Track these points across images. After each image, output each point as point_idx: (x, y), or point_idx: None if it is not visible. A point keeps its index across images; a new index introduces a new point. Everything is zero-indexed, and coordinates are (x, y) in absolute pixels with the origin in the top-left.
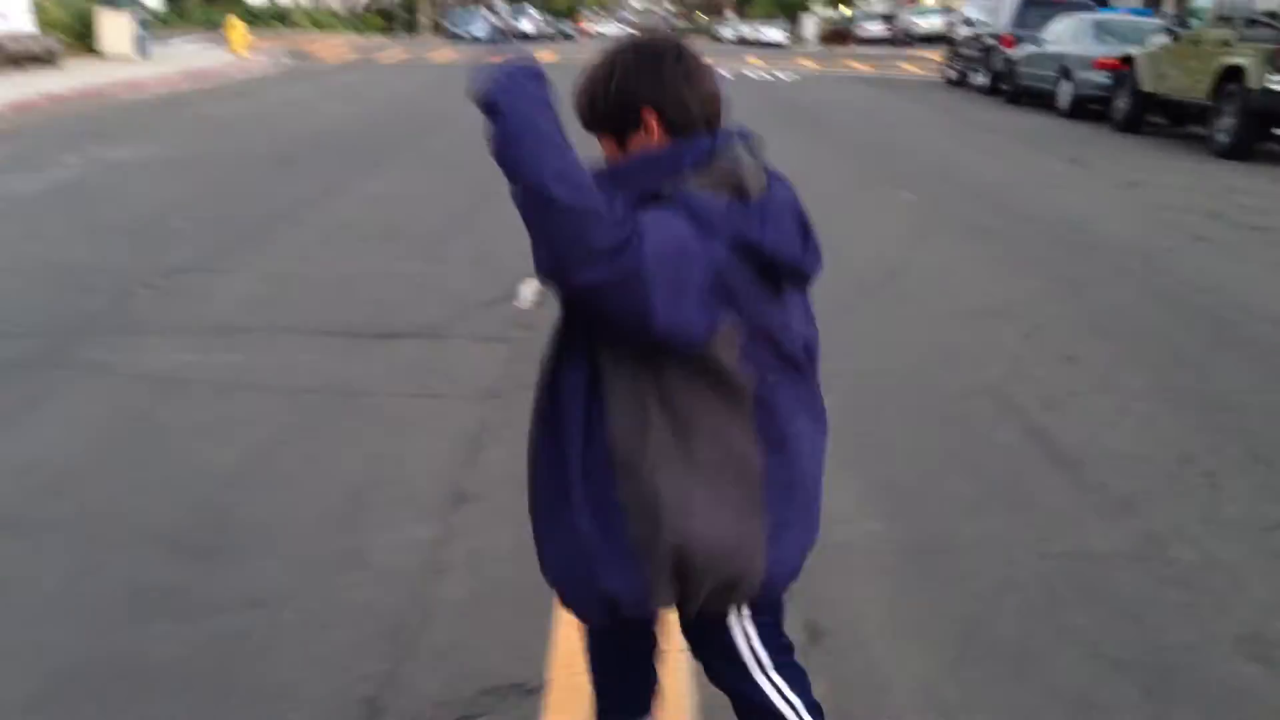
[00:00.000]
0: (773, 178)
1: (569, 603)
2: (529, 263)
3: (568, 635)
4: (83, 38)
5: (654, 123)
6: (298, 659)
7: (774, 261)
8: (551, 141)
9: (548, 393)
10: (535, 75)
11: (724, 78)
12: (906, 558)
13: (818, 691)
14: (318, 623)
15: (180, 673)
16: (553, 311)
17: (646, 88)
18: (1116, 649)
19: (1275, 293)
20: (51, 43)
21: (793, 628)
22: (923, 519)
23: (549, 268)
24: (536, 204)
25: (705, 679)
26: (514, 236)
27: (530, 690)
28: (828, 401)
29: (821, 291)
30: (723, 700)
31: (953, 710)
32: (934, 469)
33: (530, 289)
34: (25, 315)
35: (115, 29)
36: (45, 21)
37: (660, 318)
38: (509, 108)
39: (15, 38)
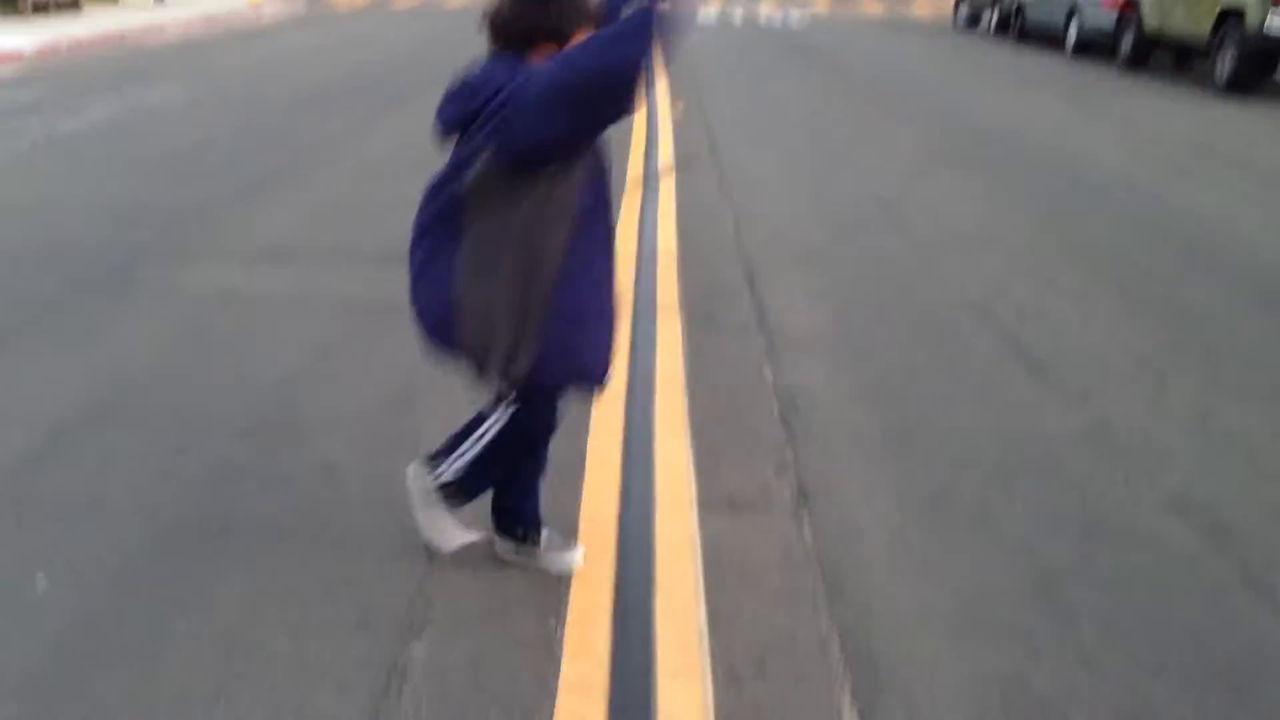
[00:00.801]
0: None
1: None
2: None
3: (590, 502)
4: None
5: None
6: (366, 514)
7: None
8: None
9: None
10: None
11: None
12: (884, 439)
13: (804, 537)
14: (382, 486)
15: (268, 526)
16: None
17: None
18: (1058, 508)
19: (1248, 220)
20: None
21: (783, 491)
22: (901, 409)
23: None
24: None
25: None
26: None
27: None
28: (826, 314)
29: (820, 219)
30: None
31: (916, 551)
32: (914, 370)
33: None
34: (84, 245)
35: None
36: None
37: None
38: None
39: None
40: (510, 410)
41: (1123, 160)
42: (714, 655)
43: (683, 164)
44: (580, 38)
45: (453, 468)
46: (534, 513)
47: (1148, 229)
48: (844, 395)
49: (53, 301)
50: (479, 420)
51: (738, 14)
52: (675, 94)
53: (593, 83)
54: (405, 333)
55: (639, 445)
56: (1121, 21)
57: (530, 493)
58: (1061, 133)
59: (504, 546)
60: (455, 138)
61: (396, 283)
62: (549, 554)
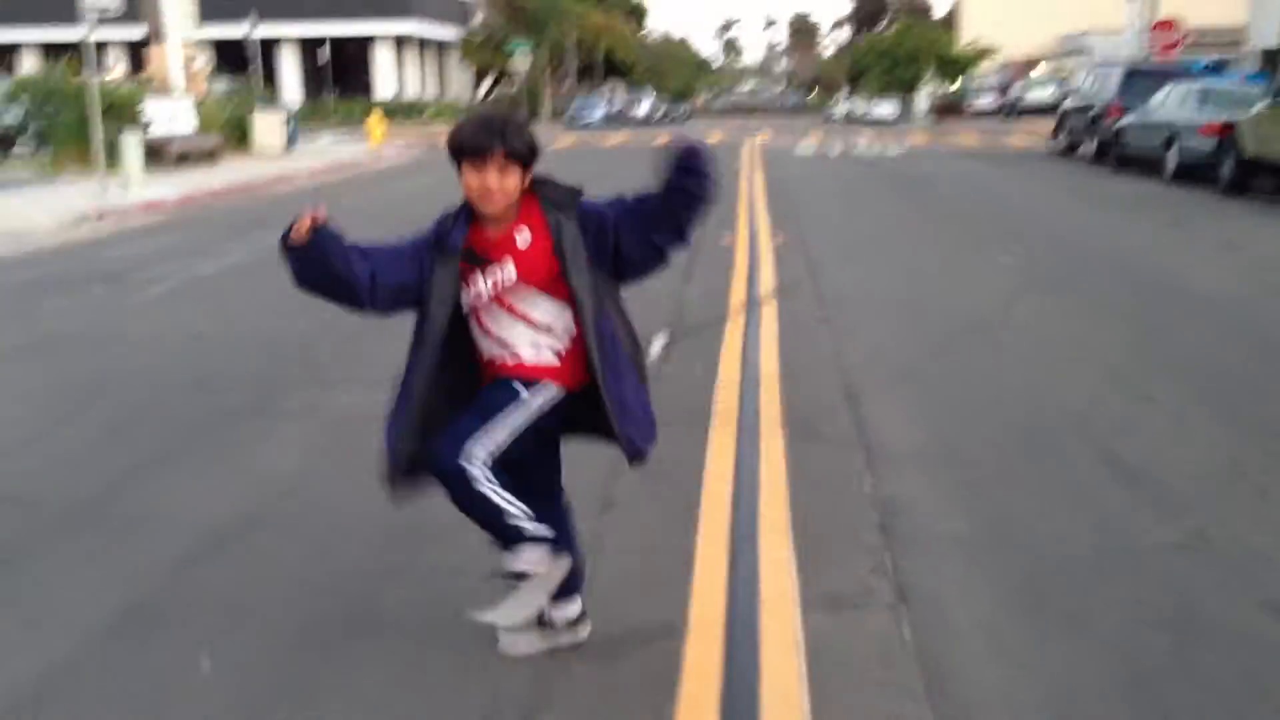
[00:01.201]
0: None
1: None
2: (659, 320)
3: (699, 599)
4: (239, 134)
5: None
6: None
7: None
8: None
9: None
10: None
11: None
12: (983, 546)
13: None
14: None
15: (404, 621)
16: (678, 362)
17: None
18: (1154, 612)
19: None
20: (212, 141)
21: (882, 591)
22: (999, 518)
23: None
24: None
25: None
26: (642, 297)
27: (673, 632)
28: (924, 428)
29: (917, 338)
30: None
31: (1012, 649)
32: (1010, 479)
33: (659, 344)
34: (229, 374)
35: (267, 127)
36: (206, 122)
37: None
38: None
39: (182, 138)
40: None
41: (1221, 280)
42: None
43: (784, 289)
44: None
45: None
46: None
47: (1245, 346)
48: (942, 504)
49: (205, 424)
50: None
51: (836, 147)
52: (775, 222)
53: None
54: None
55: (745, 548)
56: (1221, 147)
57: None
58: (1159, 255)
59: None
60: None
61: None
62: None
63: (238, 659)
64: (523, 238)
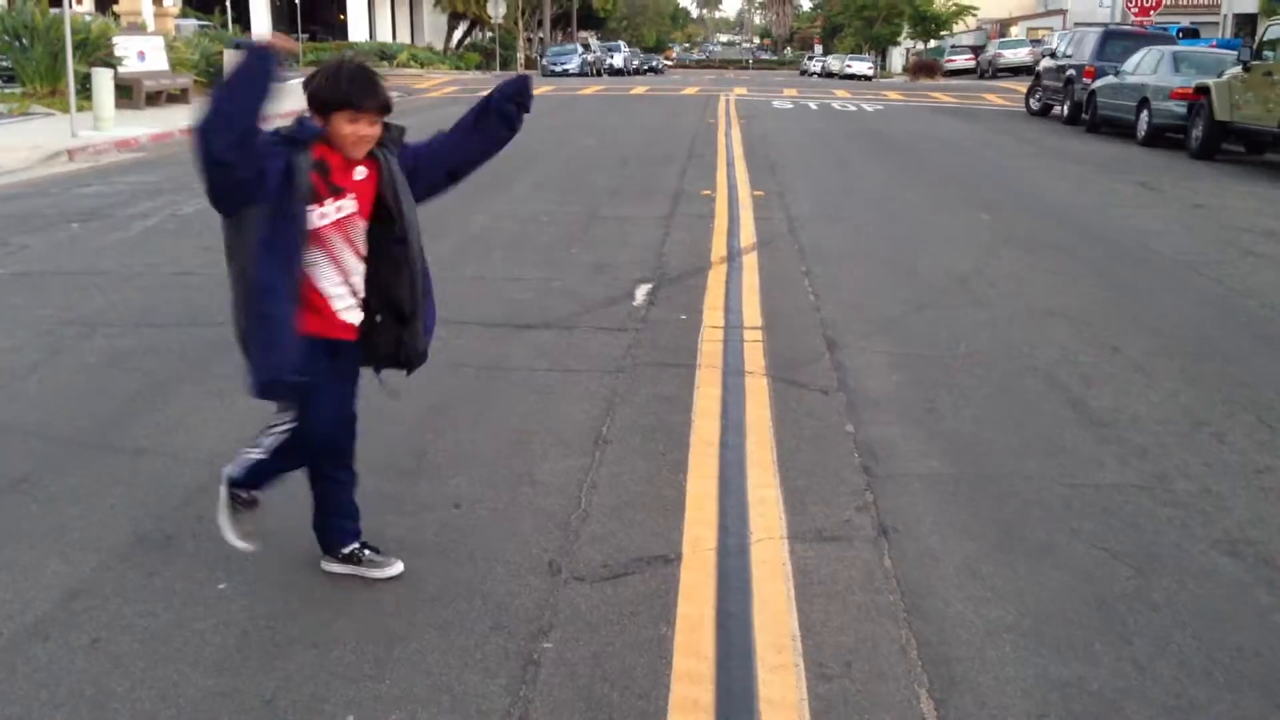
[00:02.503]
0: None
1: None
2: (642, 269)
3: (692, 529)
4: (209, 76)
5: None
6: (493, 537)
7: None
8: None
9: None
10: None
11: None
12: (958, 485)
13: (884, 564)
14: (505, 516)
15: (409, 543)
16: (663, 309)
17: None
18: (1117, 544)
19: None
20: (183, 80)
21: (865, 526)
22: (973, 460)
23: None
24: None
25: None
26: (625, 249)
27: (669, 560)
28: (903, 377)
29: (899, 293)
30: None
31: (985, 576)
32: (984, 426)
33: (643, 291)
34: (225, 311)
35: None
36: (176, 61)
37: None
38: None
39: (152, 75)
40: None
41: (1190, 241)
42: (806, 656)
43: (764, 243)
44: None
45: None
46: (355, 532)
47: (1211, 304)
48: (920, 446)
49: (200, 358)
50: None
51: (813, 102)
52: (754, 177)
53: None
54: (515, 387)
55: (733, 484)
56: (1192, 111)
57: (344, 512)
58: (1131, 215)
59: (330, 563)
60: None
61: (502, 345)
62: (371, 567)
63: (252, 579)
64: (360, 172)
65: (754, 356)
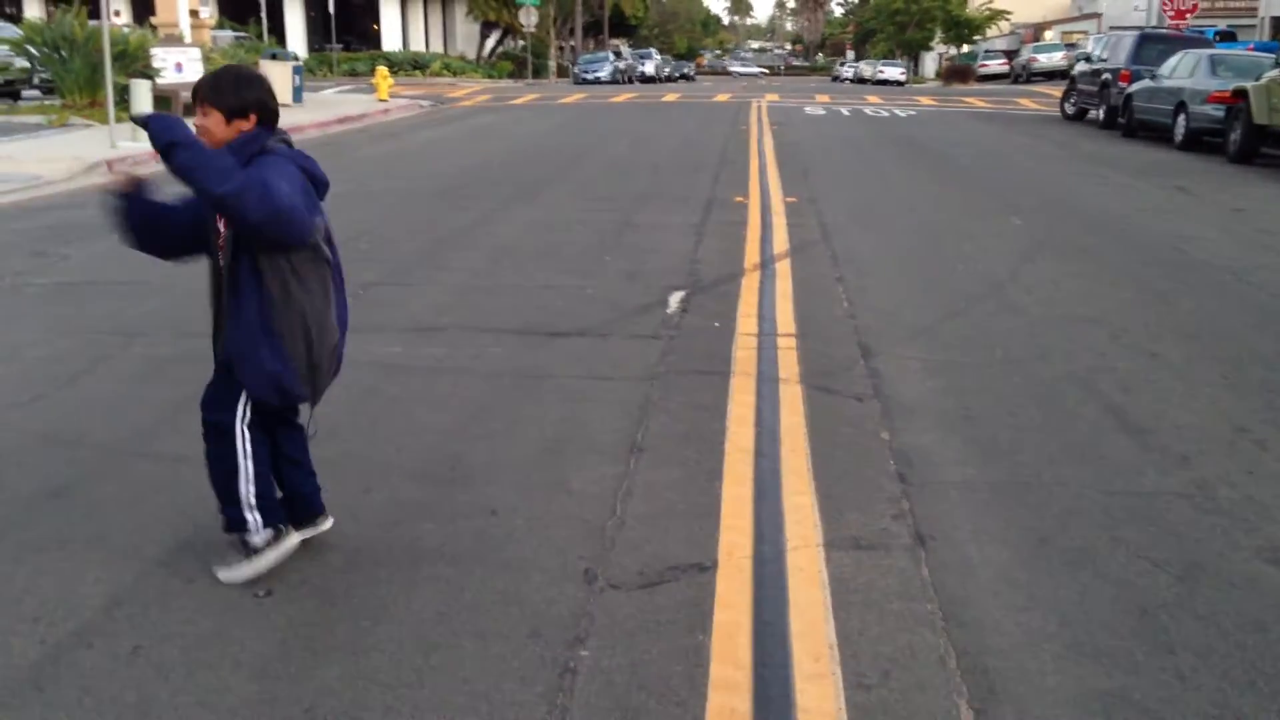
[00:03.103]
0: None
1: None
2: (675, 277)
3: (728, 537)
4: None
5: (254, 117)
6: (529, 545)
7: (316, 180)
8: (211, 163)
9: (230, 282)
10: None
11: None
12: (995, 492)
13: (921, 572)
14: (540, 524)
15: (446, 552)
16: (696, 317)
17: (256, 95)
18: (1157, 552)
19: None
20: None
21: (901, 535)
22: (1010, 467)
23: (249, 224)
24: (217, 203)
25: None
26: (658, 256)
27: (705, 568)
28: (938, 384)
29: (933, 299)
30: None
31: (1024, 585)
32: (1021, 433)
33: (676, 298)
34: None
35: (274, 79)
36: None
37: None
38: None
39: (190, 87)
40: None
41: (1228, 246)
42: (843, 665)
43: (797, 249)
44: None
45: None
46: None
47: (1249, 309)
48: (956, 454)
49: None
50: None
51: (845, 108)
52: (786, 183)
53: None
54: (549, 395)
55: (769, 492)
56: (1230, 114)
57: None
58: (1168, 219)
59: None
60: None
61: (536, 353)
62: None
63: (293, 586)
64: None
65: (788, 363)
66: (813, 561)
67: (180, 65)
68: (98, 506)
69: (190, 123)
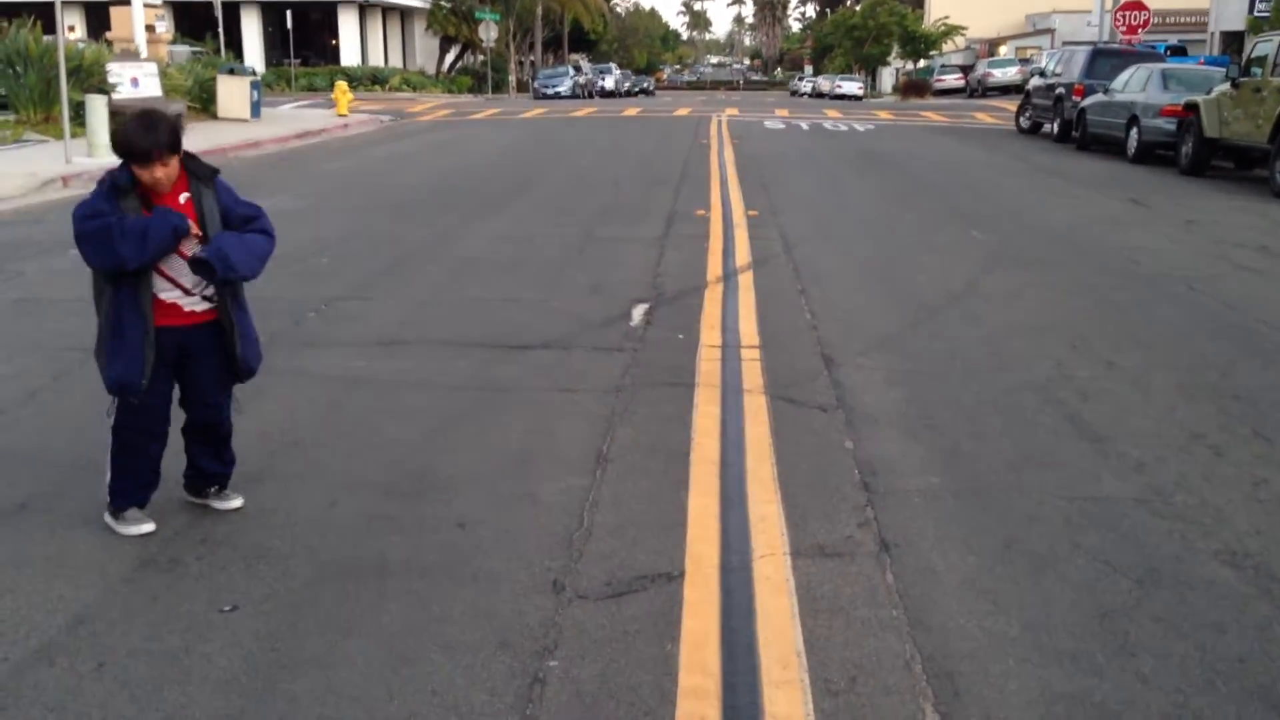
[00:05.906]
0: None
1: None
2: (638, 290)
3: (695, 546)
4: (204, 102)
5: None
6: (498, 557)
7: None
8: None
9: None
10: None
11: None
12: (957, 499)
13: (886, 579)
14: (508, 536)
15: (414, 565)
16: (660, 329)
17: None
18: (1117, 557)
19: None
20: (177, 106)
21: (866, 542)
22: (971, 474)
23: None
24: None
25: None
26: (621, 269)
27: (672, 578)
28: (900, 393)
29: (894, 310)
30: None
31: (987, 591)
32: (982, 442)
33: (640, 311)
34: None
35: (232, 93)
36: (170, 88)
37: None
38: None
39: (145, 101)
40: None
41: (1182, 257)
42: (811, 672)
43: (759, 262)
44: None
45: None
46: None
47: (1204, 318)
48: (919, 462)
49: None
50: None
51: (804, 122)
52: (748, 196)
53: None
54: (515, 407)
55: (734, 501)
56: (1182, 128)
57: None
58: (1122, 231)
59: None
60: None
61: (501, 366)
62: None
63: (259, 600)
64: (184, 197)
65: (752, 375)
66: (779, 570)
67: (136, 80)
68: (60, 523)
69: (152, 172)
